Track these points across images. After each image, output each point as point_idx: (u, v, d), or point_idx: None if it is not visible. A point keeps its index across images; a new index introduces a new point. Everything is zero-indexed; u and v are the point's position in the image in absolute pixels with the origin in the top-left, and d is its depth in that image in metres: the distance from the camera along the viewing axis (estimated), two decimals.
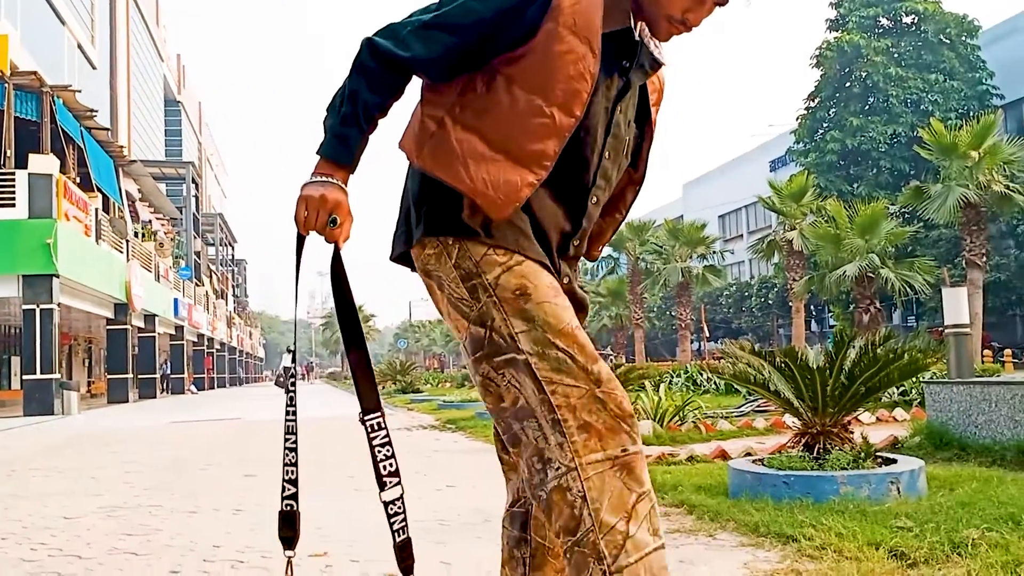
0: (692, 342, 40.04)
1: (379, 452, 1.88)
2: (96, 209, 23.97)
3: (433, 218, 1.83)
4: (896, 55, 39.09)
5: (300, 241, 1.90)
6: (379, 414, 1.90)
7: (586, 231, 1.93)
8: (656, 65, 1.90)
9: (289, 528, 2.00)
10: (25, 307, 20.02)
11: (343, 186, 1.82)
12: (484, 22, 1.74)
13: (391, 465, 1.89)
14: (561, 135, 1.75)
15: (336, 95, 1.84)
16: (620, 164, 1.93)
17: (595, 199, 1.89)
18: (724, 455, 6.97)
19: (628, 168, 2.01)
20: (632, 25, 1.81)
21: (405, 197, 1.95)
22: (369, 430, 1.90)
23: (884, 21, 39.95)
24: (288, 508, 2.00)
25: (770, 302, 49.18)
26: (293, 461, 2.01)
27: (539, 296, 1.75)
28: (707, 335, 40.45)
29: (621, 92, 1.86)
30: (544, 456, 1.72)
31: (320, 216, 1.80)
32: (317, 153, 1.83)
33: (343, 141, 1.82)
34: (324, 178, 1.82)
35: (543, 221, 1.82)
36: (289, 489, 1.99)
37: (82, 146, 23.25)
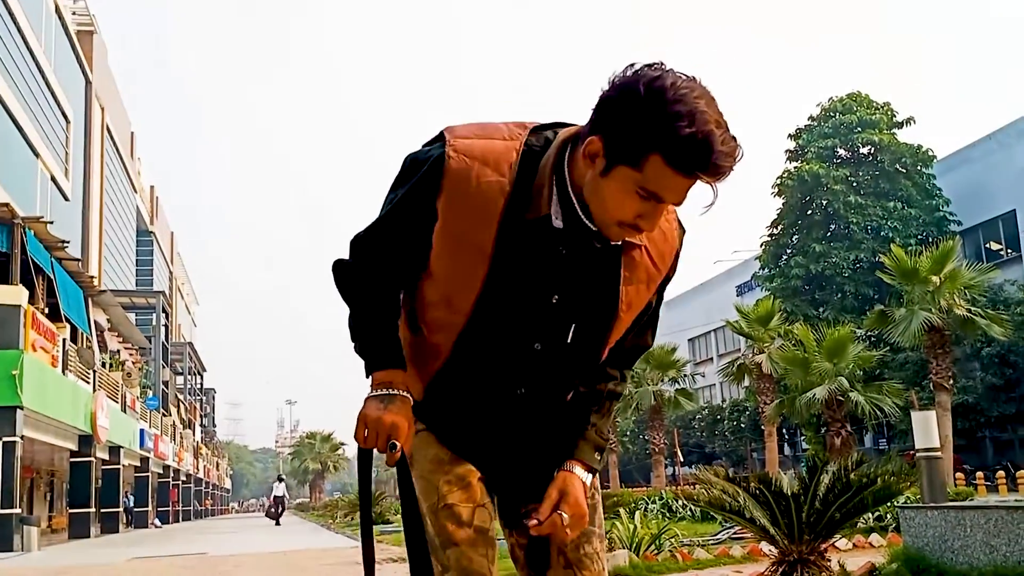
0: (666, 467, 39.70)
1: None
2: (64, 340, 23.74)
3: None
4: (855, 183, 40.27)
5: (363, 456, 1.91)
6: None
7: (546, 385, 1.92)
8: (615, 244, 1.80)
9: None
10: None
11: (405, 394, 1.82)
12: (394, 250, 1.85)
13: None
14: (453, 331, 1.84)
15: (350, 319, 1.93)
16: (568, 341, 1.87)
17: (541, 376, 1.89)
18: None
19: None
20: (551, 214, 1.74)
21: None
22: None
23: (842, 151, 41.31)
24: None
25: (743, 425, 49.08)
26: None
27: (418, 469, 1.92)
28: (680, 460, 40.27)
29: (567, 271, 1.80)
30: None
31: (380, 439, 1.78)
32: (367, 375, 1.85)
33: (378, 352, 1.85)
34: (384, 391, 1.82)
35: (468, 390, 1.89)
36: None
37: (52, 277, 23.21)
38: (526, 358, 1.84)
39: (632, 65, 1.64)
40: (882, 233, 38.97)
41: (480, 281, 1.77)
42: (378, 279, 1.85)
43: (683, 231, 1.91)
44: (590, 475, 1.86)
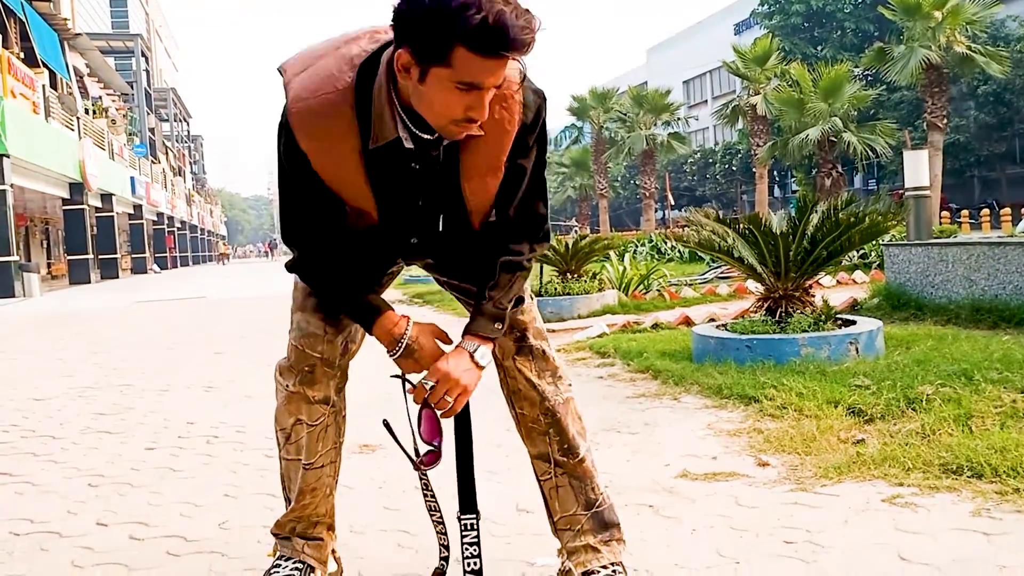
0: (656, 211, 40.25)
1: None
2: (43, 85, 23.18)
3: None
4: None
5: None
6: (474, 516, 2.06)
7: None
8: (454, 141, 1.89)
9: None
10: None
11: (410, 334, 1.95)
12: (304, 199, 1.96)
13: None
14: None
15: None
16: (440, 230, 2.04)
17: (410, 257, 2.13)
18: (688, 322, 7.09)
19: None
20: (400, 136, 1.83)
21: None
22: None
23: None
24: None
25: (734, 168, 49.26)
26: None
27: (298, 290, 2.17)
28: (671, 203, 40.63)
29: (424, 180, 1.93)
30: None
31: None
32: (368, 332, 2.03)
33: (368, 315, 1.97)
34: (400, 347, 1.95)
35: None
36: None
37: (24, 19, 22.30)
38: (406, 250, 2.07)
39: None
40: None
41: (371, 204, 1.94)
42: (330, 259, 1.98)
43: (539, 97, 1.93)
44: (487, 345, 1.96)
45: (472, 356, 1.93)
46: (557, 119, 54.25)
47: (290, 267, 2.05)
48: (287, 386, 2.09)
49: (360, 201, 1.93)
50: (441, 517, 2.06)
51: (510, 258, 1.99)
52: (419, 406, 1.95)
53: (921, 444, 3.08)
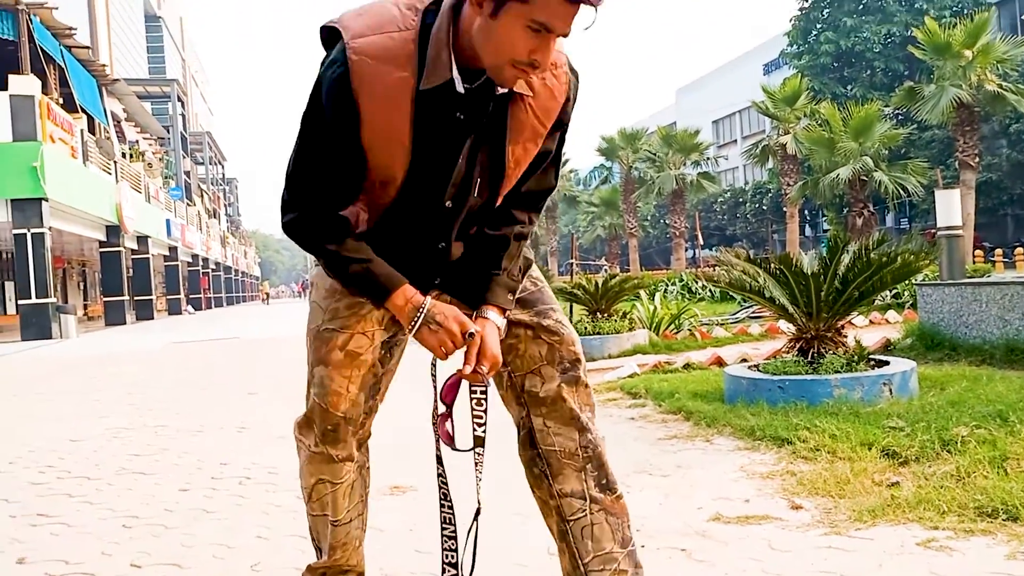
0: (686, 250, 40.14)
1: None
2: (81, 130, 23.66)
3: None
4: None
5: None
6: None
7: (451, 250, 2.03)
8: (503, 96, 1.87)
9: None
10: (16, 232, 19.92)
11: (428, 302, 1.91)
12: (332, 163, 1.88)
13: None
14: (382, 206, 1.94)
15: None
16: (475, 195, 1.97)
17: (449, 231, 2.00)
18: (720, 362, 7.06)
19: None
20: (455, 77, 1.79)
21: None
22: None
23: None
24: None
25: (764, 208, 49.11)
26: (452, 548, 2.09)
27: (313, 296, 2.14)
28: (701, 243, 40.50)
29: (467, 135, 1.88)
30: None
31: (456, 341, 1.90)
32: (379, 307, 1.97)
33: (378, 287, 1.92)
34: (418, 317, 1.90)
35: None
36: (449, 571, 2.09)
37: (63, 65, 22.82)
38: (441, 216, 1.95)
39: None
40: (916, 5, 37.39)
41: (404, 163, 1.85)
42: (335, 222, 1.90)
43: (575, 78, 1.96)
44: (503, 317, 1.96)
45: (499, 328, 1.94)
46: (586, 159, 54.44)
47: (290, 228, 1.94)
48: (309, 445, 2.08)
49: (395, 159, 1.85)
50: (452, 517, 2.04)
51: (519, 228, 2.01)
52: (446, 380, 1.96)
53: (956, 487, 3.04)
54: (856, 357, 5.09)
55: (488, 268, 1.98)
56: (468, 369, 1.90)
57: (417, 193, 1.90)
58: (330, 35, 1.84)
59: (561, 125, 1.96)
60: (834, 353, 5.17)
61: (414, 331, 1.89)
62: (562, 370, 2.05)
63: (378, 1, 1.85)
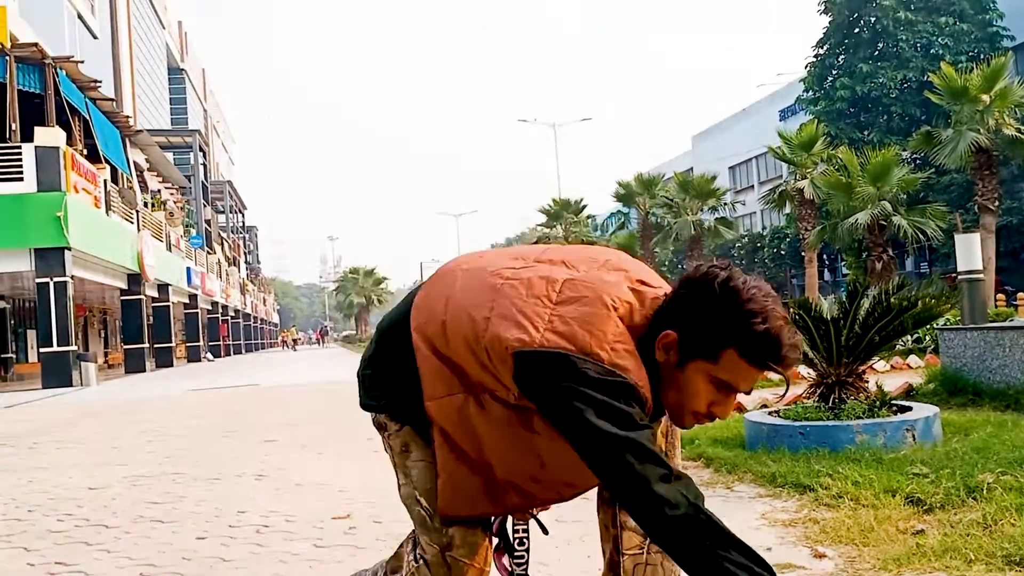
0: None
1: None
2: (105, 180, 23.97)
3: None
4: None
5: None
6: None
7: None
8: None
9: None
10: (39, 280, 20.11)
11: None
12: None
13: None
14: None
15: None
16: None
17: None
18: (740, 407, 7.00)
19: None
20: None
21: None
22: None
23: None
24: None
25: (783, 253, 49.01)
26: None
27: (419, 454, 1.96)
28: None
29: None
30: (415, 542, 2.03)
31: None
32: None
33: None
34: None
35: None
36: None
37: (87, 117, 23.19)
38: None
39: (700, 265, 1.78)
40: (932, 51, 37.50)
41: None
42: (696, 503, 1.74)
43: None
44: None
45: None
46: (603, 205, 54.59)
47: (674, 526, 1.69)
48: None
49: None
50: None
51: None
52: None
53: (983, 534, 2.99)
54: (878, 403, 5.04)
55: None
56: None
57: None
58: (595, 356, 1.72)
59: None
60: (855, 399, 5.12)
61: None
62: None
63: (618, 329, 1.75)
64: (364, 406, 2.05)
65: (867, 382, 5.36)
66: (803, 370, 8.58)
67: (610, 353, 1.70)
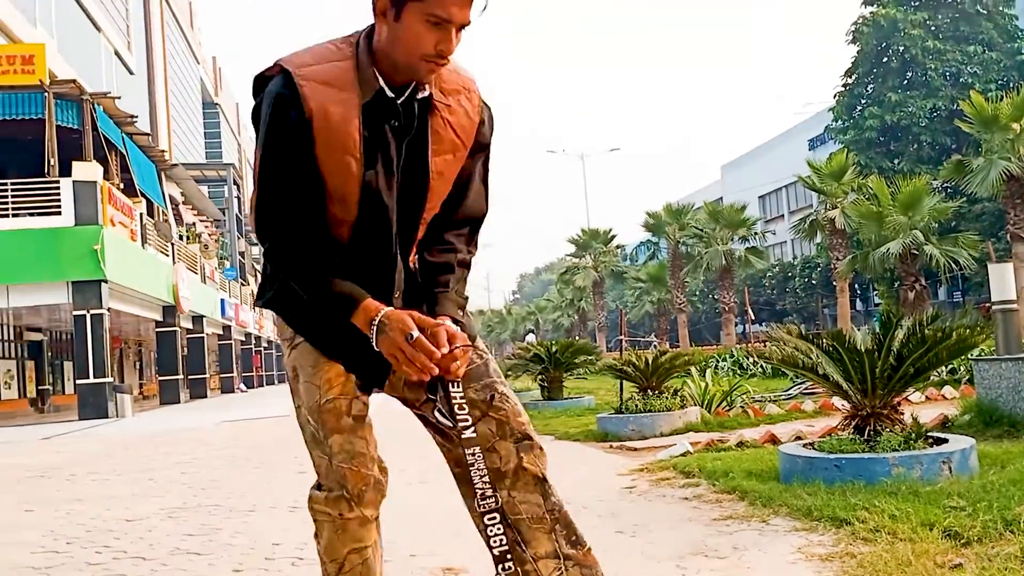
0: (736, 325, 39.81)
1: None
2: (141, 214, 24.34)
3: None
4: (933, 28, 38.39)
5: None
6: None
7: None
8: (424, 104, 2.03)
9: None
10: (76, 313, 20.41)
11: (383, 310, 1.98)
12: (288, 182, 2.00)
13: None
14: (347, 224, 2.05)
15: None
16: (414, 210, 2.09)
17: (399, 249, 2.11)
18: (774, 439, 6.97)
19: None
20: (382, 86, 1.98)
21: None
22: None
23: None
24: None
25: (814, 282, 48.70)
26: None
27: (302, 375, 2.17)
28: (752, 318, 40.22)
29: (401, 147, 2.03)
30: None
31: (408, 347, 1.95)
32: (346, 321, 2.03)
33: (345, 304, 2.02)
34: (374, 327, 1.99)
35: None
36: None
37: (124, 152, 23.60)
38: (391, 228, 2.07)
39: None
40: (961, 79, 37.35)
41: (358, 177, 1.99)
42: (307, 245, 2.02)
43: (488, 108, 2.14)
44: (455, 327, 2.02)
45: (455, 333, 2.00)
46: (632, 235, 54.60)
47: (270, 256, 2.10)
48: (340, 514, 2.15)
49: (349, 176, 1.97)
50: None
51: (460, 256, 2.13)
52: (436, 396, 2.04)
53: (1020, 568, 2.97)
54: (914, 435, 5.00)
55: (435, 288, 2.09)
56: (439, 353, 1.94)
57: (370, 208, 2.03)
58: (261, 82, 2.02)
59: (482, 148, 2.14)
60: (891, 431, 5.08)
61: (374, 341, 1.97)
62: (515, 440, 2.11)
63: (314, 43, 2.05)
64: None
65: (902, 414, 5.32)
66: (837, 402, 8.52)
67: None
